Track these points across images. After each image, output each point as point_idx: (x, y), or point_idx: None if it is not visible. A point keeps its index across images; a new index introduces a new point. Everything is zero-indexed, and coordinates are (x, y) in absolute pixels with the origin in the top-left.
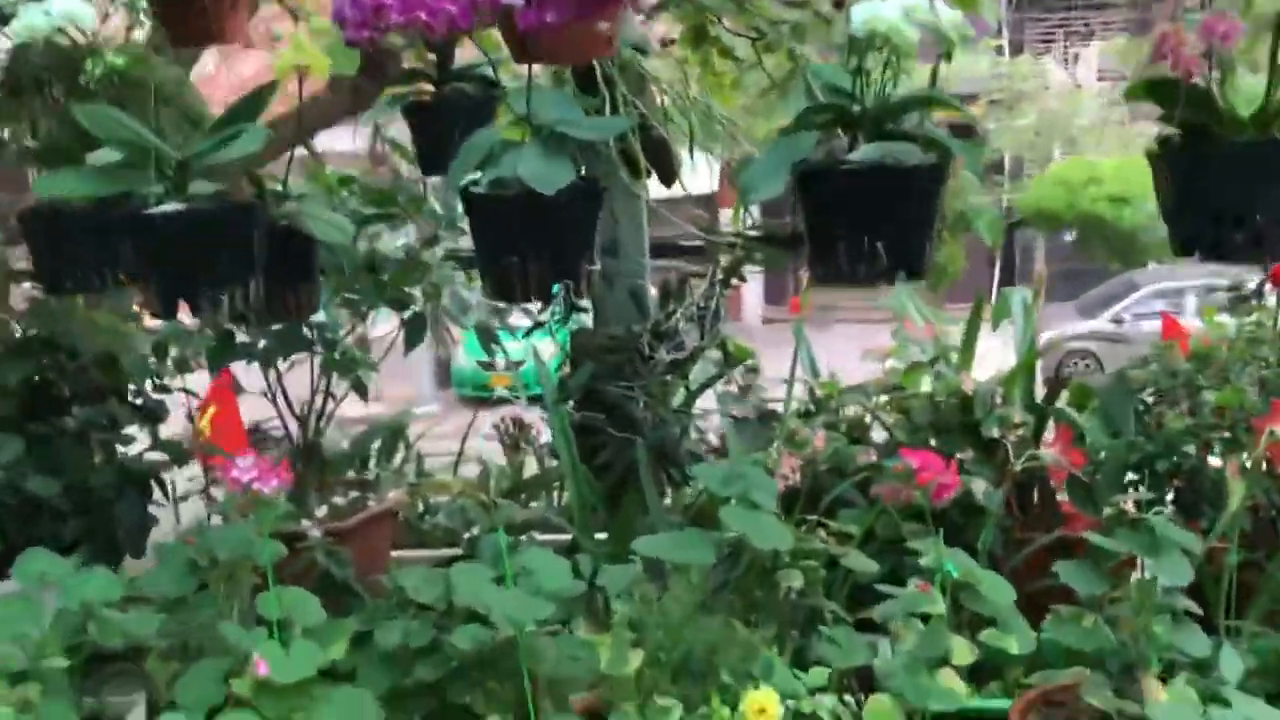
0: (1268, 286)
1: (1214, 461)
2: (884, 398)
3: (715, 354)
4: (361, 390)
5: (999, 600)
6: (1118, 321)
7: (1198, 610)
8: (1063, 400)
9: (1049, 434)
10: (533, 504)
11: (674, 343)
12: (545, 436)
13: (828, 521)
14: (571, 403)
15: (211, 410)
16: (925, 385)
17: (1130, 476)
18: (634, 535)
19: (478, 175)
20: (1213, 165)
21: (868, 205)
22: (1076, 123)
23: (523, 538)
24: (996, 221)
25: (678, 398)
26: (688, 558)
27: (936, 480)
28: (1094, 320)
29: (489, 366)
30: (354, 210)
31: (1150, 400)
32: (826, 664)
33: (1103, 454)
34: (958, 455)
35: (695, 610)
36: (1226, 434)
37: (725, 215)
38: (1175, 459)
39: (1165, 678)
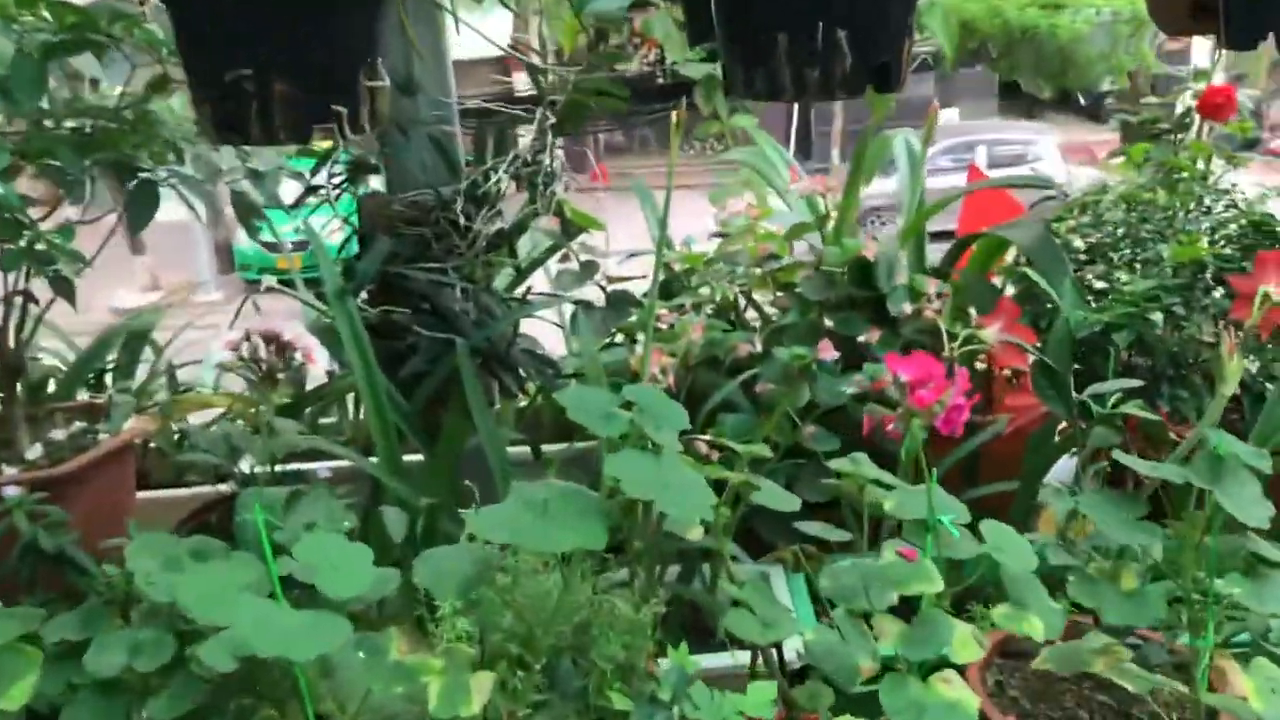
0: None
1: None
2: (759, 270)
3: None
4: (65, 290)
5: (1017, 566)
6: None
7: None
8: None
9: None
10: (324, 420)
11: (494, 209)
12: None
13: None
14: (365, 293)
15: None
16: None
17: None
18: (456, 472)
19: None
20: None
21: None
22: None
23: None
24: (951, 21)
25: (503, 280)
26: (567, 542)
27: (941, 401)
28: (889, 178)
29: (274, 247)
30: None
31: (1081, 259)
32: (738, 641)
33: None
34: (860, 338)
35: (569, 605)
36: (1199, 296)
37: (520, 80)
38: (1137, 331)
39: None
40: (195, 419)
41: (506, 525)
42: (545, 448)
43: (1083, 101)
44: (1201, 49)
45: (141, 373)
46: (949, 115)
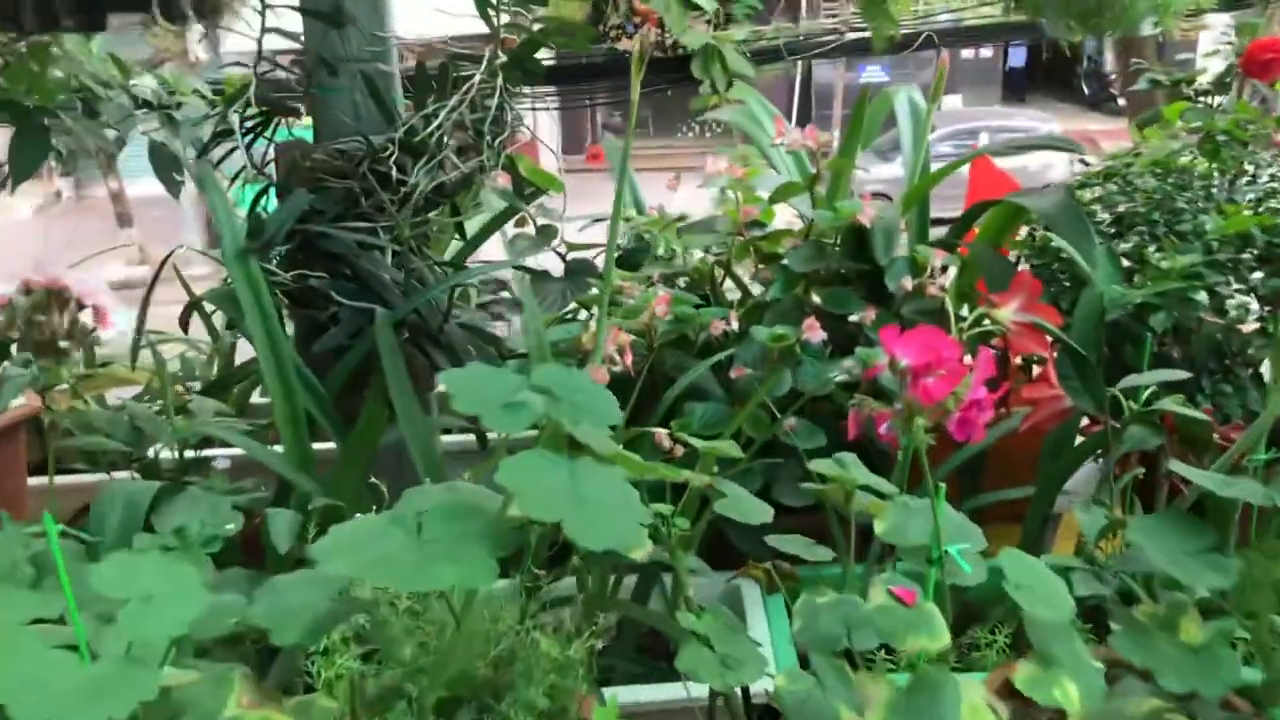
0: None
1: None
2: (739, 240)
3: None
4: None
5: (1047, 613)
6: None
7: None
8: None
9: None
10: (261, 399)
11: (433, 161)
12: None
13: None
14: (279, 255)
15: None
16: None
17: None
18: (373, 467)
19: None
20: None
21: None
22: None
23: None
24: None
25: (449, 247)
26: (440, 577)
27: (955, 394)
28: (891, 163)
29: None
30: None
31: (1106, 233)
32: (696, 678)
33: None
34: (854, 317)
35: (475, 639)
36: (1245, 275)
37: None
38: (1175, 314)
39: None
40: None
41: (358, 551)
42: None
43: (1086, 90)
44: (1208, 40)
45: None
46: (952, 102)
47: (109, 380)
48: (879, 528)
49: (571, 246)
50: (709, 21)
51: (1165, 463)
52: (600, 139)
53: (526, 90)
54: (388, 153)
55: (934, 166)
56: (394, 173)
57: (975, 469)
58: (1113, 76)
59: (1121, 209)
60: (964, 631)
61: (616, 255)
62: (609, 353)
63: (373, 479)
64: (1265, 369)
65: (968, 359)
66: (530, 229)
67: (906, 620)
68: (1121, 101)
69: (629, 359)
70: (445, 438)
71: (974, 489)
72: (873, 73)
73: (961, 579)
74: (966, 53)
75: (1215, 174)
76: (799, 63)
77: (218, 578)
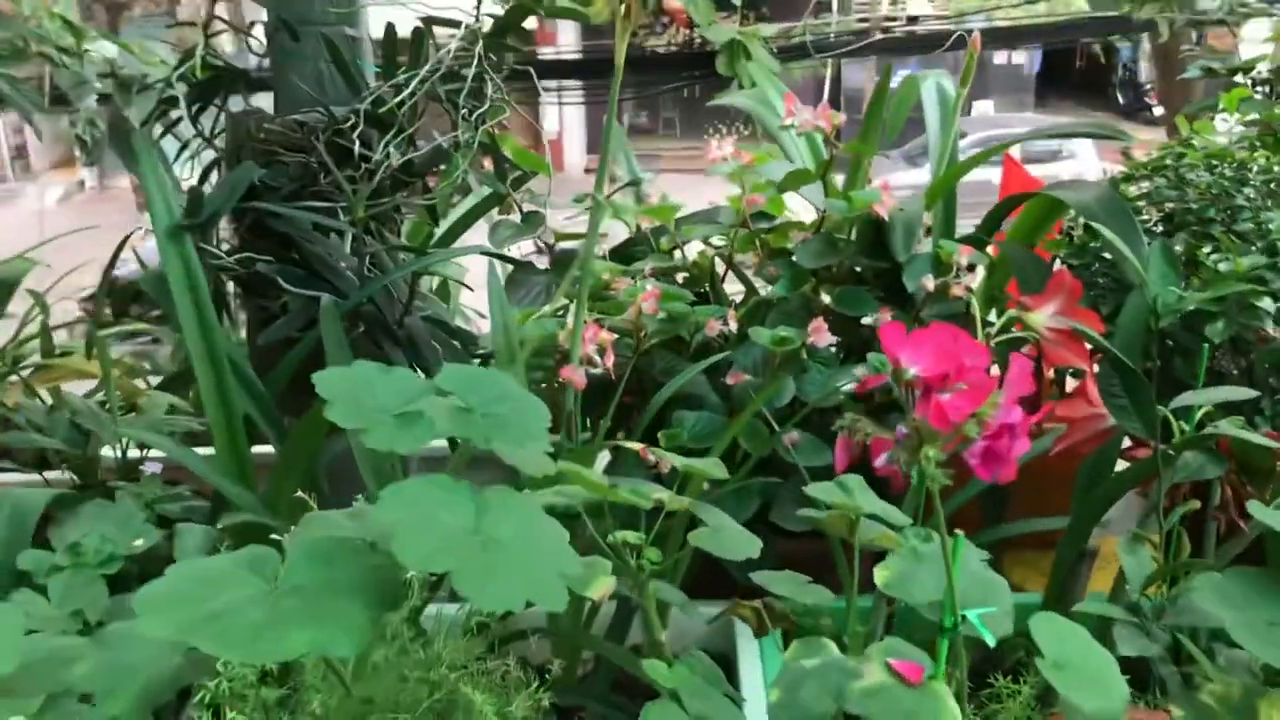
0: None
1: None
2: (743, 233)
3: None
4: None
5: (1098, 702)
6: None
7: None
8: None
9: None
10: None
11: (403, 136)
12: None
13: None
14: (226, 234)
15: None
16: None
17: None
18: (304, 481)
19: None
20: None
21: None
22: None
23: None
24: None
25: (418, 231)
26: (290, 644)
27: (979, 414)
28: (921, 169)
29: None
30: None
31: (1153, 232)
32: None
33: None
34: (867, 320)
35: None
36: None
37: None
38: (1239, 322)
39: None
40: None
41: (188, 605)
42: None
43: (1120, 99)
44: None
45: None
46: (983, 107)
47: (66, 371)
48: (880, 577)
49: (561, 236)
50: (739, 17)
51: (1215, 495)
52: (627, 139)
53: (552, 84)
54: (349, 124)
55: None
56: (357, 148)
57: (1001, 493)
58: (1148, 86)
59: (1171, 206)
60: (983, 680)
61: (612, 248)
62: (587, 353)
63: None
64: None
65: (995, 370)
66: (516, 215)
67: (906, 708)
68: (1158, 111)
69: (610, 360)
70: None
71: (998, 516)
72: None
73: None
74: (999, 59)
75: (1278, 169)
76: (829, 64)
77: (109, 606)
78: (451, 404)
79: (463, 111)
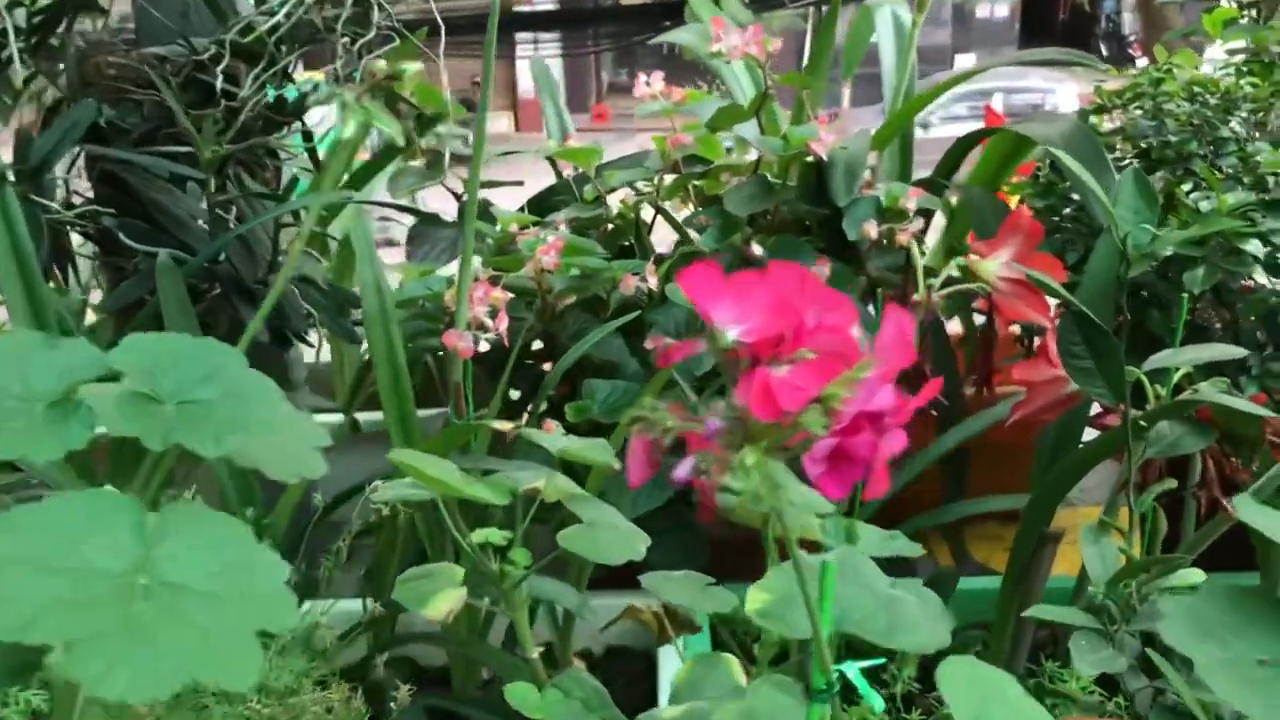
0: None
1: None
2: (670, 178)
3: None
4: None
5: None
6: (924, 126)
7: None
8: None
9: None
10: None
11: (273, 70)
12: None
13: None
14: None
15: None
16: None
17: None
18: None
19: None
20: None
21: None
22: None
23: None
24: None
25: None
26: None
27: (829, 400)
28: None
29: None
30: None
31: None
32: None
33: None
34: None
35: None
36: None
37: None
38: (1223, 268)
39: None
40: None
41: None
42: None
43: (1104, 51)
44: None
45: None
46: (965, 61)
47: None
48: (754, 602)
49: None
50: None
51: (1196, 470)
52: (605, 96)
53: (529, 37)
54: (210, 55)
55: (947, 128)
56: (219, 83)
57: (959, 467)
58: (1131, 37)
59: (1148, 142)
60: (930, 687)
61: (531, 197)
62: (475, 315)
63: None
64: None
65: (861, 334)
66: (420, 162)
67: None
68: (1141, 63)
69: (503, 324)
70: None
71: (958, 489)
72: None
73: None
74: (981, 12)
75: (1271, 98)
76: (809, 17)
77: None
78: (129, 389)
79: (342, 41)
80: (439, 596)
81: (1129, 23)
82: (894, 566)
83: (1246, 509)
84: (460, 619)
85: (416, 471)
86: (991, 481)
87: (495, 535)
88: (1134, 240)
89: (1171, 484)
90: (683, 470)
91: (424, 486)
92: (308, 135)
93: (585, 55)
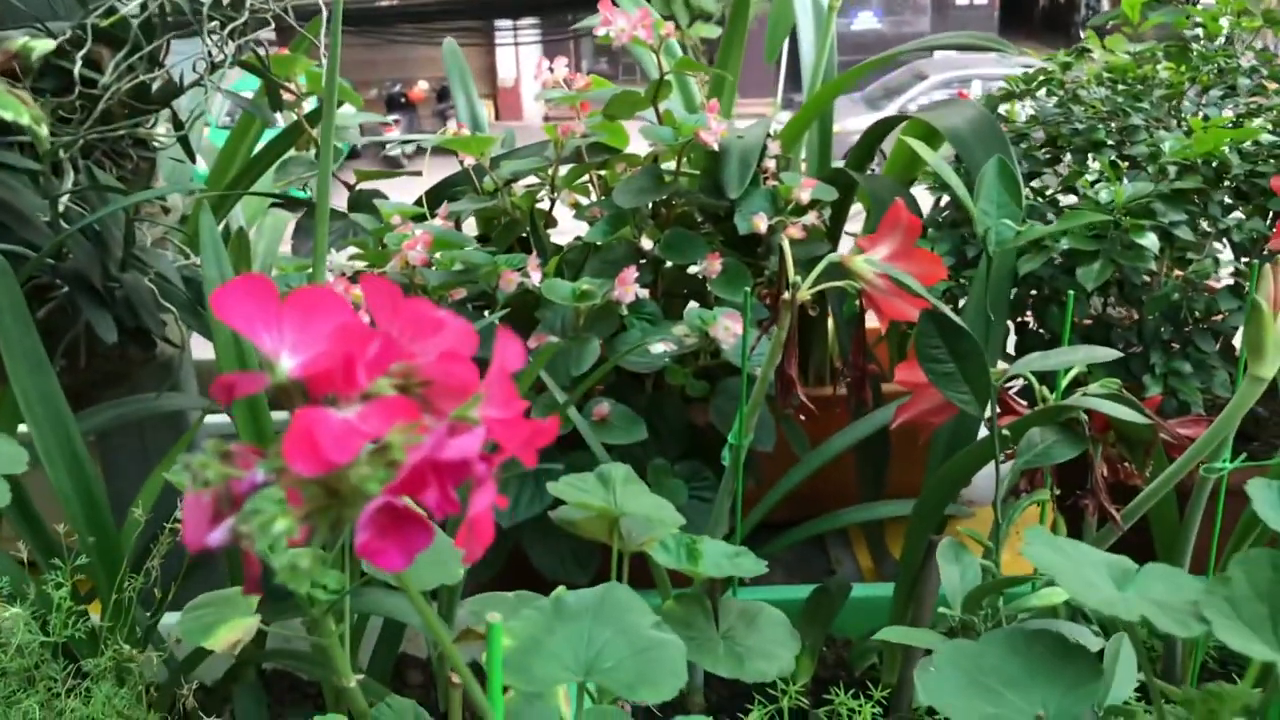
0: None
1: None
2: (566, 169)
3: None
4: None
5: None
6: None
7: None
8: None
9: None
10: None
11: (139, 54)
12: None
13: None
14: None
15: None
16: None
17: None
18: None
19: None
20: None
21: None
22: None
23: None
24: None
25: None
26: None
27: (393, 444)
28: (881, 111)
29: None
30: None
31: (1038, 158)
32: None
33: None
34: (695, 268)
35: None
36: (1217, 213)
37: None
38: (1114, 262)
39: None
40: None
41: None
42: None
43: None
44: None
45: None
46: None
47: None
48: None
49: (363, 175)
50: None
51: (1092, 474)
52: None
53: (508, 24)
54: (67, 38)
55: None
56: (78, 69)
57: (877, 461)
58: (1111, 25)
59: (1063, 128)
60: (823, 692)
61: (429, 189)
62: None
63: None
64: (1237, 341)
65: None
66: (311, 153)
67: None
68: None
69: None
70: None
71: (875, 487)
72: (865, 19)
73: None
74: (960, 0)
75: (1187, 84)
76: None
77: None
78: None
79: (211, 25)
80: (225, 627)
81: (1108, 8)
82: (805, 567)
83: (1036, 544)
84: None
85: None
86: (908, 480)
87: (303, 556)
88: (994, 235)
89: (1044, 495)
90: (216, 535)
91: None
92: (178, 124)
93: (564, 43)
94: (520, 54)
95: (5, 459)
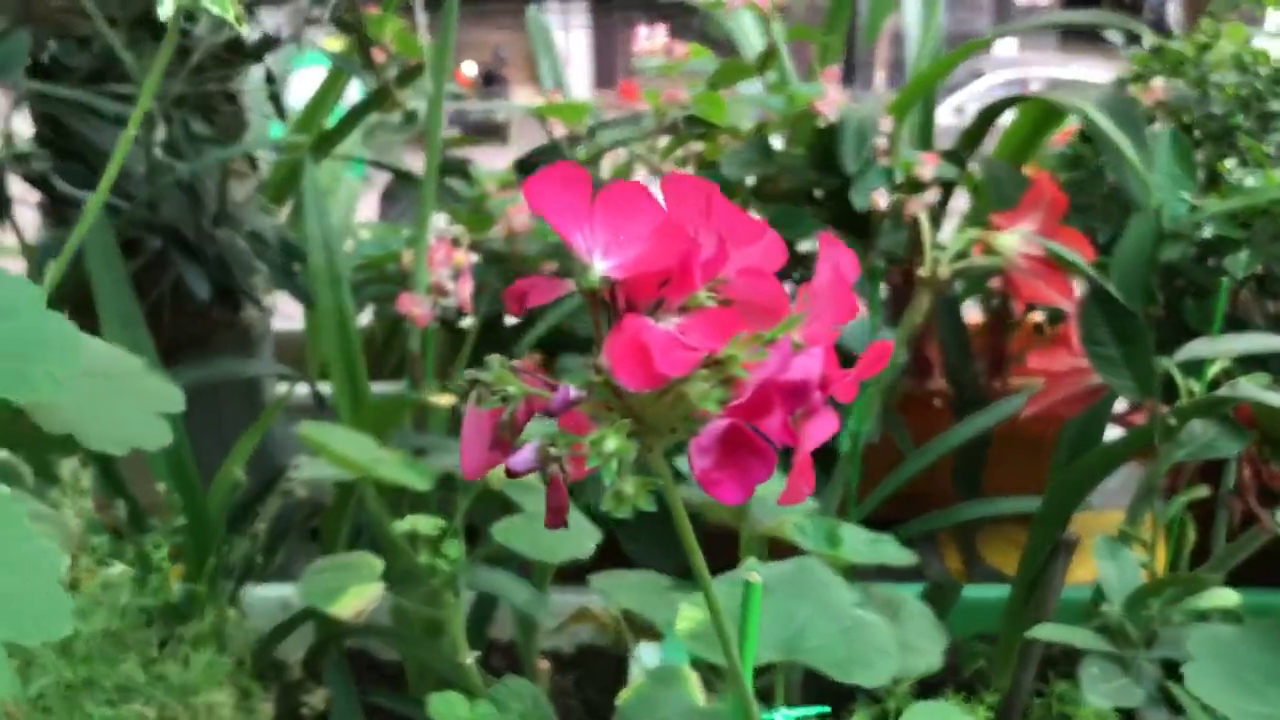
0: None
1: None
2: (665, 140)
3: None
4: None
5: None
6: (960, 111)
7: None
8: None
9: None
10: None
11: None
12: None
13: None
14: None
15: None
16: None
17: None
18: None
19: None
20: None
21: None
22: None
23: None
24: None
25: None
26: None
27: (732, 358)
28: (943, 104)
29: None
30: None
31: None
32: None
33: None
34: (803, 246)
35: None
36: None
37: None
38: (1269, 252)
39: None
40: None
41: None
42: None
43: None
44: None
45: None
46: (1006, 46)
47: None
48: (682, 624)
49: (450, 142)
50: None
51: (1230, 475)
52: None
53: (557, 6)
54: None
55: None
56: (164, 18)
57: (973, 463)
58: (1177, 30)
59: (1193, 115)
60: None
61: (518, 159)
62: (436, 279)
63: None
64: None
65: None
66: (397, 116)
67: None
68: None
69: (466, 287)
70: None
71: (971, 488)
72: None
73: None
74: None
75: None
76: None
77: None
78: None
79: None
80: (349, 593)
81: (1173, 13)
82: (897, 570)
83: None
84: (416, 612)
85: (323, 448)
86: (1011, 480)
87: (424, 524)
88: (1169, 211)
89: (1203, 491)
90: (522, 457)
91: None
92: (270, 78)
93: (614, 30)
94: (570, 38)
95: (161, 397)
